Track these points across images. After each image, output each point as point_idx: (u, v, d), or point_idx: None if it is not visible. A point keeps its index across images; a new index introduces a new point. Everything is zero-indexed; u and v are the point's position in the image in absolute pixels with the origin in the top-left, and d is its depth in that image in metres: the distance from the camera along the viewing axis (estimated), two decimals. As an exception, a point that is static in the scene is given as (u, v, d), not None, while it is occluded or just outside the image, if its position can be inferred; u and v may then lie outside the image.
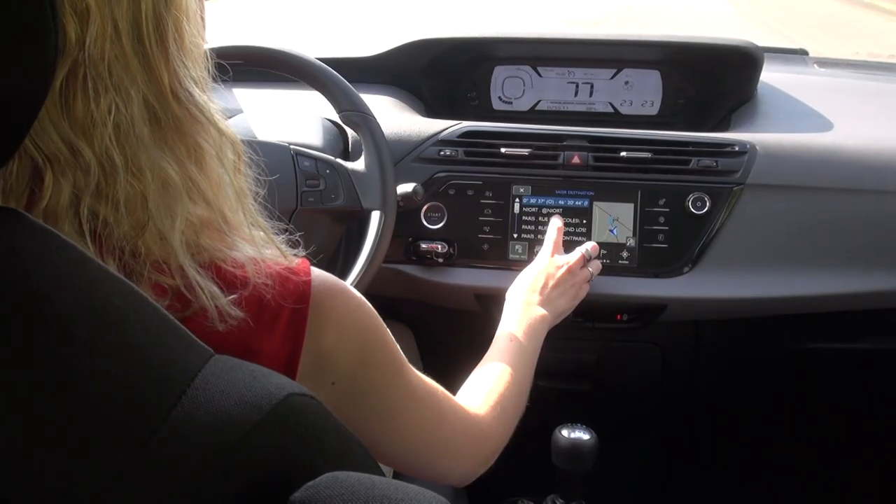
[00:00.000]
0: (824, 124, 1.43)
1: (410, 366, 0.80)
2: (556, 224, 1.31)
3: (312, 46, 1.56)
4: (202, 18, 0.69)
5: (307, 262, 0.68)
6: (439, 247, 1.36)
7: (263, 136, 1.30)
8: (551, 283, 1.20)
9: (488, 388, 0.98)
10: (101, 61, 0.55)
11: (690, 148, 1.36)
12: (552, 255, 1.25)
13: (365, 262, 1.18)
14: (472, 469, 0.90)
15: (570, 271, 1.23)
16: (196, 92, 0.60)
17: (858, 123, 1.43)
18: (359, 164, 1.24)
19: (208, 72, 0.67)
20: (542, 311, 1.15)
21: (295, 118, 1.37)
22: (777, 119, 1.46)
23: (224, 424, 0.47)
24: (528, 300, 1.17)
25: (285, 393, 0.51)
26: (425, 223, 1.37)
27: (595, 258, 1.29)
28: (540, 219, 1.36)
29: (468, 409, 0.90)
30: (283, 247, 0.69)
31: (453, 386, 0.95)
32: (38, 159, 0.54)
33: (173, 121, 0.59)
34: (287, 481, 0.48)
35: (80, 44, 0.54)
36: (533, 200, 1.36)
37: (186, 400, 0.47)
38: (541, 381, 1.10)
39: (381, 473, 0.61)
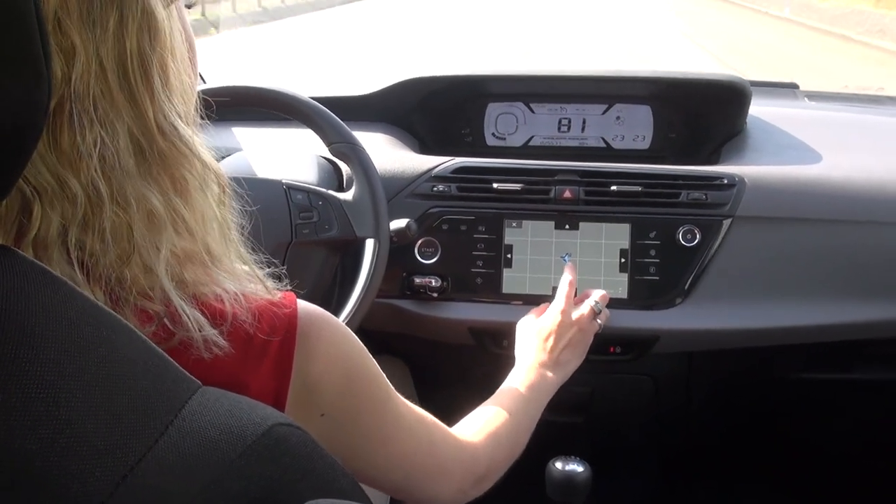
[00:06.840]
0: (812, 156, 1.45)
1: (398, 395, 0.81)
2: (567, 277, 1.27)
3: (308, 85, 1.59)
4: (192, 59, 0.71)
5: (293, 295, 0.69)
6: (433, 281, 1.37)
7: (259, 172, 1.32)
8: (562, 343, 1.18)
9: (484, 421, 1.00)
10: (86, 96, 0.57)
11: (680, 181, 1.37)
12: (563, 310, 1.21)
13: (362, 289, 1.19)
14: (463, 490, 0.91)
15: (582, 330, 1.21)
16: (181, 126, 0.62)
17: (846, 155, 1.45)
18: (350, 194, 1.26)
19: (197, 110, 0.69)
20: (550, 375, 1.14)
21: (290, 155, 1.39)
22: (766, 152, 1.47)
23: (209, 454, 0.48)
24: (538, 360, 1.15)
25: (270, 423, 0.52)
26: (419, 258, 1.39)
27: (604, 308, 1.26)
28: (532, 252, 1.37)
29: (460, 435, 0.92)
30: (268, 281, 0.70)
31: (450, 419, 0.96)
32: (26, 191, 0.56)
33: (158, 154, 0.60)
34: None
35: (66, 80, 0.56)
36: (525, 235, 1.38)
37: (173, 430, 0.48)
38: None
39: (369, 503, 0.62)
